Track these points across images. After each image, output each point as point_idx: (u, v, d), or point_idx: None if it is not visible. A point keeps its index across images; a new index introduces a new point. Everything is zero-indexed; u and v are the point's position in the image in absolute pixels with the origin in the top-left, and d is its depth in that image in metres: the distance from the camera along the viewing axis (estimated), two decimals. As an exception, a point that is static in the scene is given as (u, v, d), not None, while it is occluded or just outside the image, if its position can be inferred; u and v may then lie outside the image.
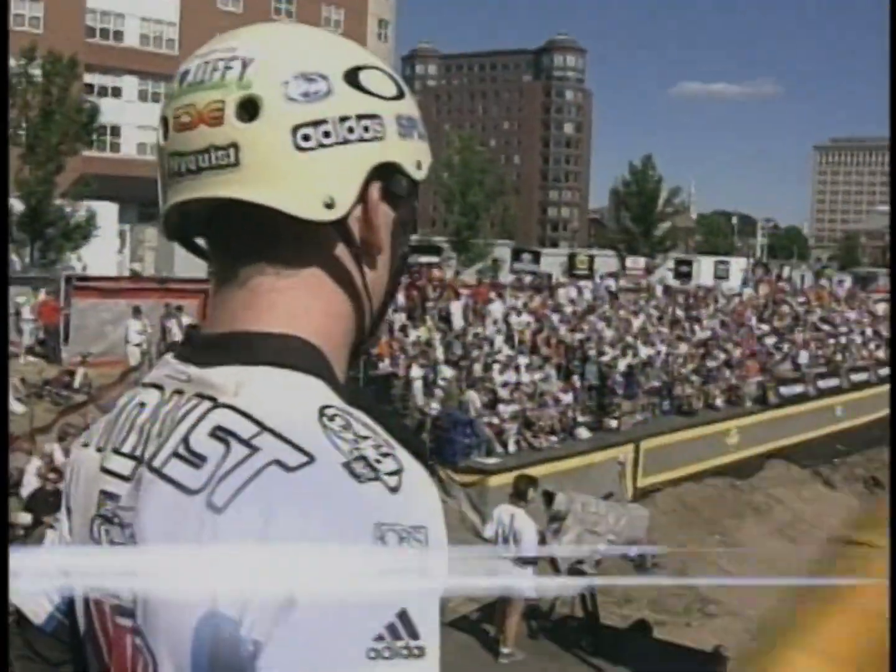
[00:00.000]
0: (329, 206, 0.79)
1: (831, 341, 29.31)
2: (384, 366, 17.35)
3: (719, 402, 22.34)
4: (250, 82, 0.79)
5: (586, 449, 17.58)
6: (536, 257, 33.20)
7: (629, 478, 18.20)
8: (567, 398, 18.83)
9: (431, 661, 0.67)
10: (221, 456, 0.72)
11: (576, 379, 19.87)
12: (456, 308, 21.24)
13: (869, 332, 31.65)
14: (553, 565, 13.39)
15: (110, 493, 0.81)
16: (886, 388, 25.29)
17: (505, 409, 17.22)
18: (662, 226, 44.75)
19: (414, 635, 0.66)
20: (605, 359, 20.95)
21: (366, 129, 0.80)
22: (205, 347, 0.81)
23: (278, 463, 0.69)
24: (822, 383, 25.83)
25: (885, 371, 27.20)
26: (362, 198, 0.81)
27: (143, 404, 0.83)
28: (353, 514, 0.67)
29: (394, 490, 0.69)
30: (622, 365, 21.00)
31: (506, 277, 30.74)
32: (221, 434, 0.73)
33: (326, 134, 0.79)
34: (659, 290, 30.87)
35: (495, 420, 16.80)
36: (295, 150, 0.78)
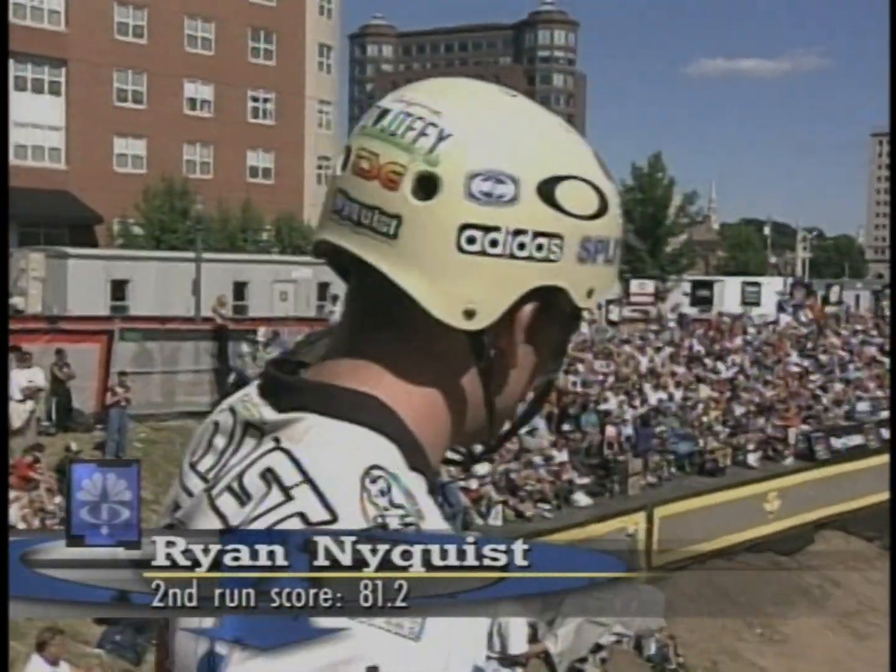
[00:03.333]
0: (469, 315, 0.97)
1: (896, 379, 29.88)
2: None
3: (752, 458, 22.86)
4: (438, 159, 0.96)
5: (586, 519, 17.93)
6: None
7: (641, 554, 18.56)
8: (561, 456, 19.27)
9: None
10: (261, 497, 0.91)
11: (571, 432, 20.33)
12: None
13: (946, 366, 32.22)
14: (548, 664, 13.80)
15: (179, 506, 1.04)
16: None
17: (483, 471, 17.60)
18: (675, 240, 45.67)
19: None
20: (606, 406, 21.46)
21: (539, 247, 0.97)
22: (287, 389, 1.01)
23: (301, 516, 0.87)
24: (886, 432, 26.18)
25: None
26: (511, 314, 0.99)
27: (216, 424, 1.06)
28: None
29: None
30: (628, 414, 21.51)
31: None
32: (269, 476, 0.92)
33: (494, 243, 0.96)
34: (672, 321, 31.56)
35: (472, 484, 17.20)
36: (456, 249, 0.96)
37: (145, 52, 44.22)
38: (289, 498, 0.90)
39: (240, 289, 31.31)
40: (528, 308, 0.99)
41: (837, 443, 24.50)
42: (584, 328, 27.99)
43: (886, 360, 31.23)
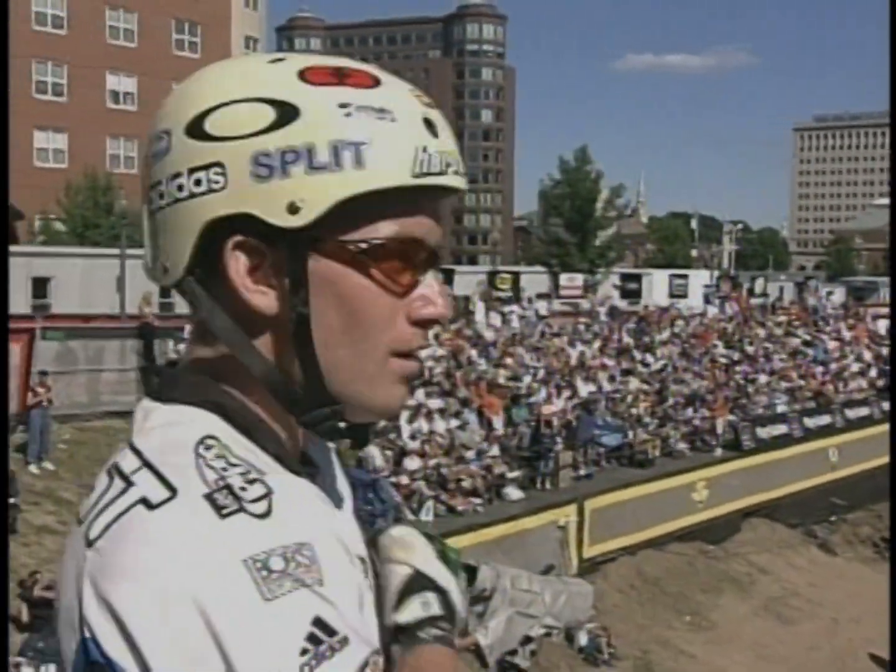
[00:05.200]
0: (165, 271, 1.00)
1: (819, 370, 30.49)
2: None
3: (682, 448, 23.18)
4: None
5: (518, 512, 18.07)
6: (449, 276, 33.80)
7: (573, 546, 18.75)
8: (492, 450, 19.36)
9: (356, 641, 0.86)
10: (103, 490, 0.94)
11: (501, 426, 20.44)
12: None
13: (868, 355, 32.73)
14: (478, 657, 13.84)
15: None
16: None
17: (415, 466, 17.62)
18: (604, 233, 46.07)
19: (332, 632, 0.84)
20: (536, 400, 21.59)
21: (197, 182, 0.95)
22: (151, 385, 1.05)
23: (144, 501, 0.88)
24: (810, 422, 26.69)
25: (889, 405, 27.67)
26: (220, 260, 0.96)
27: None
28: (216, 553, 0.84)
29: (262, 516, 0.87)
30: (558, 407, 21.66)
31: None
32: (112, 469, 0.95)
33: (161, 195, 0.98)
34: (602, 313, 31.86)
35: (403, 479, 17.20)
36: (147, 214, 1.01)
37: (66, 43, 43.44)
38: (129, 484, 0.91)
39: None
40: (228, 246, 0.95)
41: (762, 432, 24.95)
42: (515, 321, 28.18)
43: (810, 351, 31.93)
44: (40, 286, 29.26)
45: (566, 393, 22.66)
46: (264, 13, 52.59)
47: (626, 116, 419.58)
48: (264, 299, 0.96)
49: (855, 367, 31.55)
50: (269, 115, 0.94)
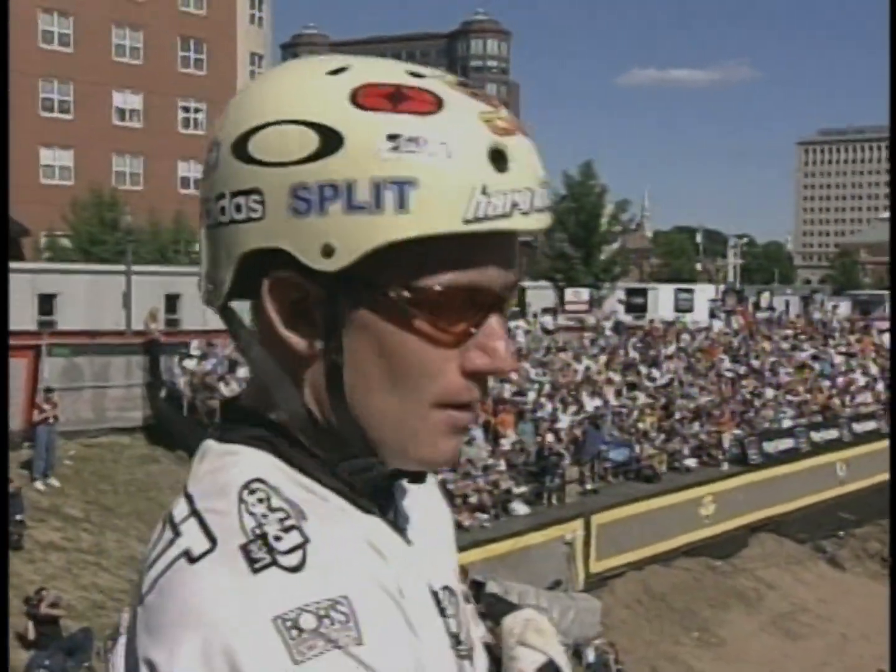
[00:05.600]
0: (208, 293, 0.94)
1: (826, 383, 30.43)
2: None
3: (688, 463, 23.13)
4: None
5: (524, 528, 18.04)
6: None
7: (580, 561, 18.70)
8: (498, 465, 19.34)
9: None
10: (155, 540, 0.90)
11: (507, 441, 20.42)
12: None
13: (874, 369, 32.54)
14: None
15: None
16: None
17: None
18: (609, 248, 46.09)
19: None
20: (542, 414, 21.58)
21: (238, 207, 0.87)
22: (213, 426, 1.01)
23: (187, 554, 0.84)
24: (816, 436, 26.59)
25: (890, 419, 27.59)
26: (259, 293, 0.89)
27: None
28: (248, 613, 0.78)
29: (295, 569, 0.81)
30: (564, 422, 21.64)
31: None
32: (166, 519, 0.91)
33: (207, 213, 0.92)
34: (607, 328, 31.86)
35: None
36: (204, 226, 0.94)
37: (72, 60, 43.59)
38: (177, 535, 0.87)
39: (172, 301, 30.97)
40: (266, 282, 0.88)
41: (769, 446, 24.86)
42: (521, 337, 28.18)
43: (816, 366, 31.88)
44: (46, 303, 29.31)
45: (572, 408, 22.63)
46: (269, 30, 52.73)
47: (631, 131, 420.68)
48: (300, 339, 0.89)
49: (861, 381, 31.44)
50: (313, 142, 0.84)
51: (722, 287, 48.24)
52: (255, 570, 0.81)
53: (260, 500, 0.86)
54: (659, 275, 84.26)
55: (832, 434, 27.21)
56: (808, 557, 24.43)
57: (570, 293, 39.19)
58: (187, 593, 0.81)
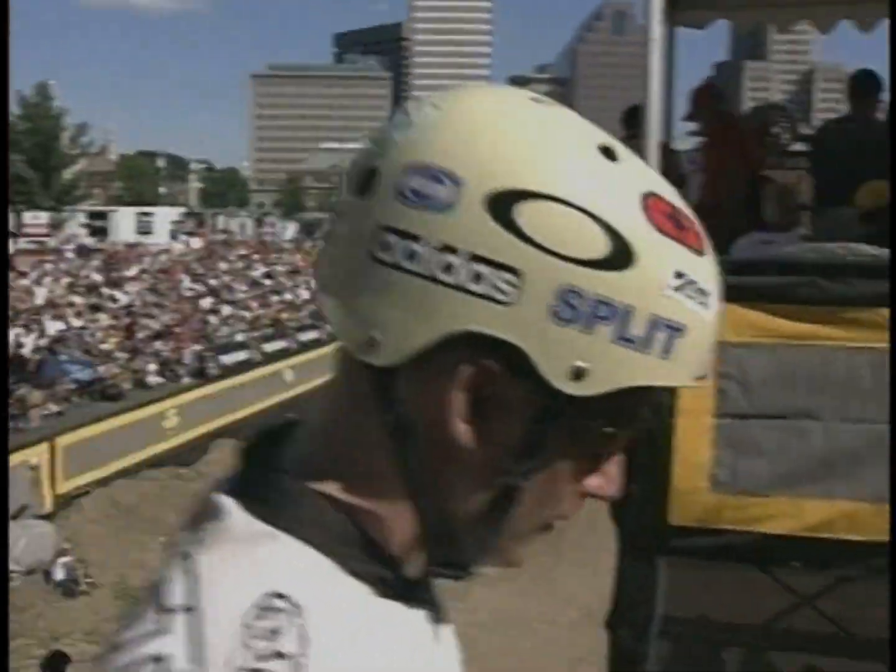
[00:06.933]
0: (372, 344, 0.72)
1: (275, 298, 31.65)
2: None
3: (152, 380, 22.98)
4: (384, 149, 0.75)
5: (-15, 457, 16.89)
6: None
7: (46, 484, 17.96)
8: (-47, 396, 17.85)
9: None
10: (136, 616, 0.71)
11: (-36, 370, 18.89)
12: None
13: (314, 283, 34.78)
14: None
15: None
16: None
17: None
18: (69, 171, 43.88)
19: None
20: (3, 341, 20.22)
21: (477, 277, 0.69)
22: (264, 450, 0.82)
23: (157, 661, 0.66)
24: (268, 347, 27.62)
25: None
26: (444, 372, 0.71)
27: None
28: None
29: None
30: (29, 346, 20.45)
31: None
32: (155, 588, 0.72)
33: (411, 255, 0.70)
34: (69, 251, 30.46)
35: None
36: (368, 256, 0.73)
37: None
38: (158, 630, 0.68)
39: None
40: (471, 366, 0.70)
41: (226, 359, 25.44)
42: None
43: (268, 282, 33.01)
44: None
45: (34, 333, 21.42)
46: None
47: (94, 55, 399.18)
48: (469, 433, 0.72)
49: (306, 295, 32.90)
50: (604, 246, 0.69)
51: (183, 210, 48.01)
52: None
53: (270, 632, 0.67)
54: (123, 198, 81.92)
55: (281, 344, 28.32)
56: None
57: (28, 217, 36.77)
58: None
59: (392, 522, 0.76)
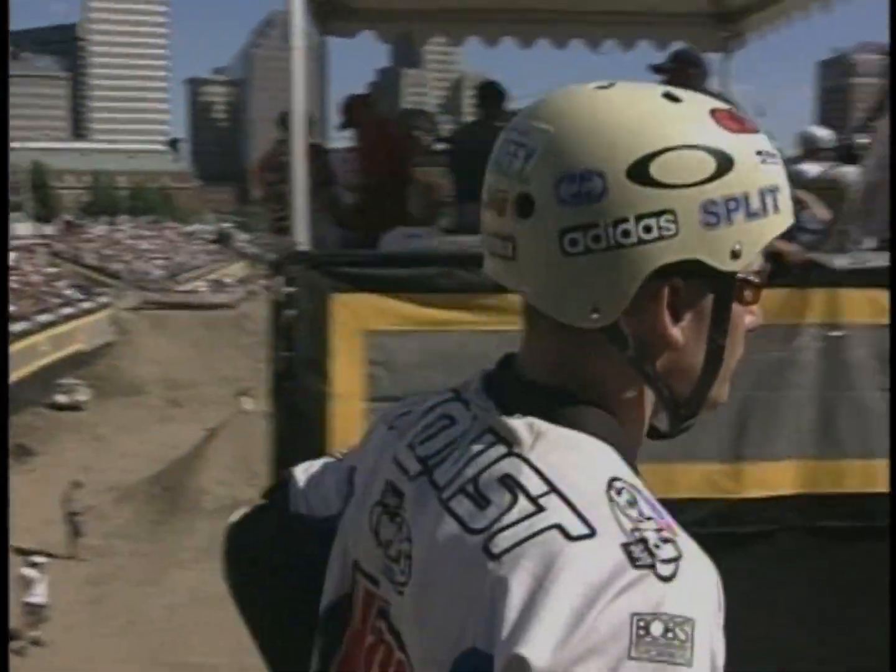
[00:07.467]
0: (596, 311, 0.91)
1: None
2: None
3: None
4: (529, 178, 0.91)
5: None
6: None
7: None
8: None
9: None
10: (507, 506, 0.87)
11: None
12: None
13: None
14: None
15: (397, 489, 1.00)
16: None
17: None
18: None
19: None
20: None
21: (647, 228, 0.89)
22: (513, 389, 0.97)
23: (559, 528, 0.83)
24: None
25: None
26: (650, 298, 0.92)
27: (450, 418, 1.01)
28: (616, 598, 0.79)
29: (666, 579, 0.80)
30: None
31: None
32: (510, 484, 0.88)
33: (596, 239, 0.89)
34: None
35: None
36: (562, 254, 0.90)
37: None
38: (539, 508, 0.86)
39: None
40: (665, 287, 0.92)
41: None
42: None
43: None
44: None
45: None
46: None
47: None
48: (679, 333, 0.94)
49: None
50: (710, 164, 0.90)
51: None
52: (636, 567, 0.81)
53: (630, 504, 0.86)
54: None
55: None
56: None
57: None
58: (574, 564, 0.81)
59: (641, 421, 1.00)
